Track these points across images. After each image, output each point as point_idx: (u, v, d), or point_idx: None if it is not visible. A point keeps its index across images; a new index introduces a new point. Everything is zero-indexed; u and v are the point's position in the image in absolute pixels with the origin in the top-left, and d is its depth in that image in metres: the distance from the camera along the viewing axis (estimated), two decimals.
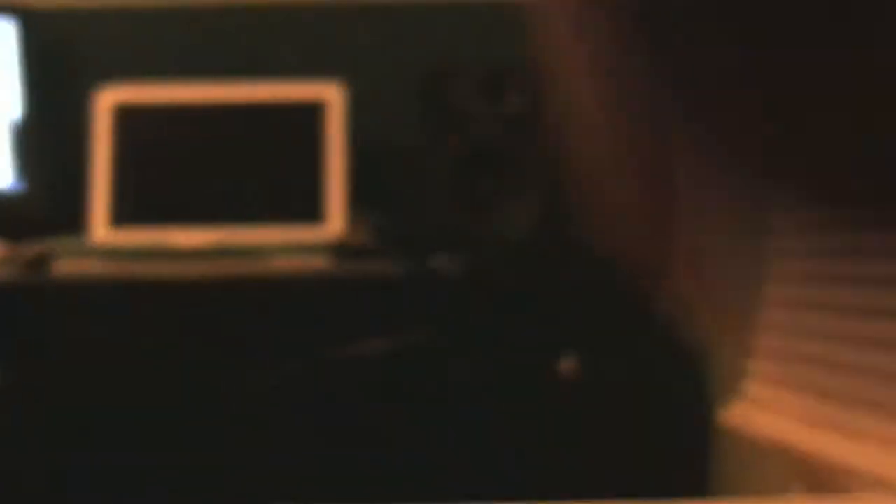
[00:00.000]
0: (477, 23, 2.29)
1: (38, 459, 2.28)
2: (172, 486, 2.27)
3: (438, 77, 1.97)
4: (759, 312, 1.54)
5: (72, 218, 2.16)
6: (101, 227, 2.03)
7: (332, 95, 2.07)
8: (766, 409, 1.49)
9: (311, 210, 2.03)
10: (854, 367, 1.27)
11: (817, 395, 1.35)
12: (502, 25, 2.30)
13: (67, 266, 1.83)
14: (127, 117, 2.08)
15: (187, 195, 2.05)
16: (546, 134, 1.93)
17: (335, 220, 2.01)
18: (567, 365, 1.85)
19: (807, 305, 1.33)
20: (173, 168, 2.07)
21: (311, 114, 2.07)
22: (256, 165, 2.06)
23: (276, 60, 2.28)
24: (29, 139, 2.11)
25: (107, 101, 2.09)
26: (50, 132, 2.18)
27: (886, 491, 0.94)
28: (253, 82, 2.12)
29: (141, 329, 2.09)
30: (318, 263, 1.83)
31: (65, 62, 2.26)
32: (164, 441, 2.29)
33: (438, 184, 1.95)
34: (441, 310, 2.22)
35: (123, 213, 2.05)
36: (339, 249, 1.86)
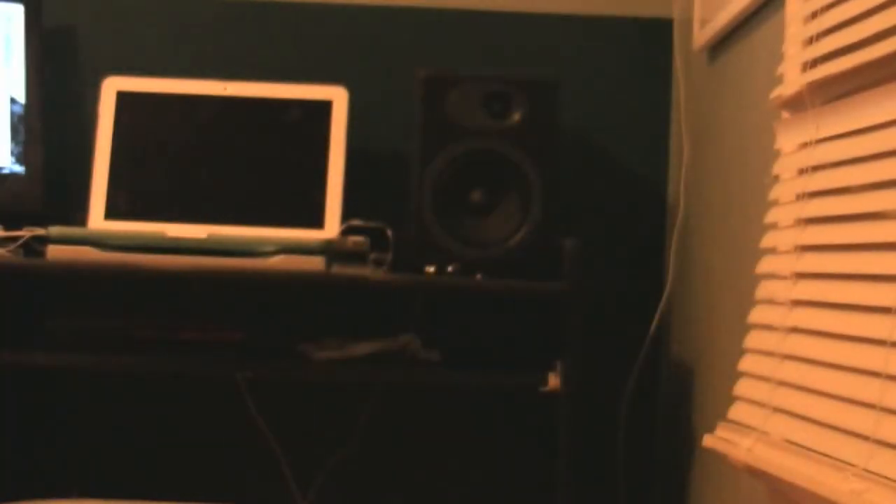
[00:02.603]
0: (479, 33, 2.30)
1: (20, 440, 2.28)
2: (157, 474, 2.27)
3: (438, 85, 1.97)
4: (746, 336, 1.54)
5: (69, 204, 2.17)
6: (97, 217, 2.04)
7: (337, 96, 2.08)
8: (747, 433, 1.50)
9: (307, 212, 2.03)
10: (834, 394, 1.27)
11: (799, 420, 1.36)
12: (504, 37, 2.30)
13: (61, 252, 1.83)
14: (131, 108, 2.09)
15: (184, 190, 2.06)
16: (543, 146, 1.94)
17: (331, 223, 2.01)
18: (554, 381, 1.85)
19: (792, 330, 1.34)
20: (171, 161, 2.07)
21: (314, 113, 2.08)
22: (256, 164, 2.06)
23: (279, 63, 2.29)
24: (29, 124, 2.11)
25: (111, 91, 2.09)
26: (51, 118, 2.18)
27: None
28: (256, 82, 2.12)
29: (130, 317, 2.10)
30: (312, 265, 1.83)
31: (72, 49, 2.27)
32: (149, 430, 2.29)
33: (433, 191, 1.95)
34: (430, 316, 2.22)
35: (121, 206, 2.05)
36: (332, 252, 1.86)
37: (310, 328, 2.13)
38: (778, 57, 1.51)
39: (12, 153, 2.11)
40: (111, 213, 2.05)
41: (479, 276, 1.91)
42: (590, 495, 2.26)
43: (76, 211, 2.09)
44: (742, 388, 1.47)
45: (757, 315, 1.46)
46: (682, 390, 2.10)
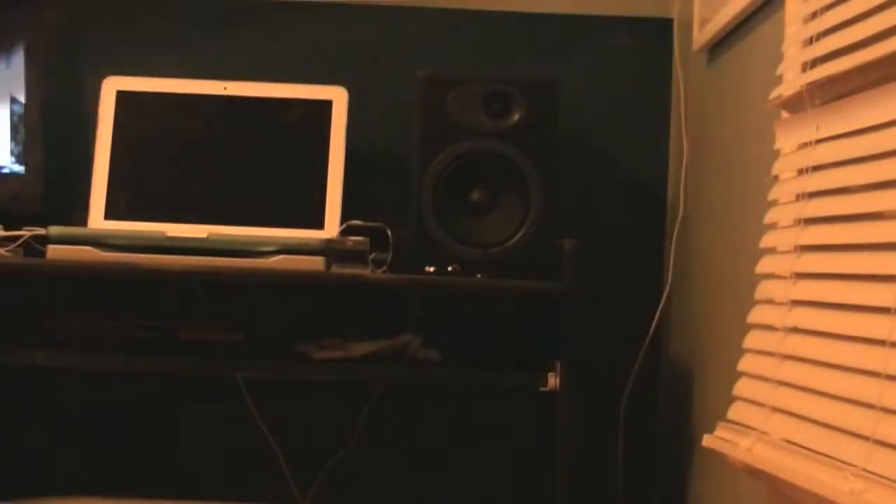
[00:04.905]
0: (479, 33, 2.31)
1: (22, 440, 2.28)
2: (157, 473, 2.28)
3: (438, 85, 1.97)
4: (746, 336, 1.54)
5: (69, 204, 2.17)
6: (97, 217, 2.04)
7: (337, 96, 2.08)
8: (747, 433, 1.50)
9: (307, 212, 2.03)
10: (834, 394, 1.27)
11: (799, 420, 1.36)
12: (505, 37, 2.31)
13: (61, 252, 1.83)
14: (131, 107, 2.09)
15: (184, 190, 2.06)
16: (543, 146, 1.94)
17: (330, 223, 2.01)
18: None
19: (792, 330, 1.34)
20: (171, 161, 2.07)
21: (314, 113, 2.08)
22: (255, 164, 2.06)
23: (279, 63, 2.29)
24: (29, 124, 2.11)
25: (111, 91, 2.09)
26: (51, 118, 2.18)
27: None
28: (256, 82, 2.12)
29: (130, 317, 2.10)
30: (311, 265, 1.83)
31: (72, 49, 2.27)
32: (149, 430, 2.29)
33: (433, 191, 1.95)
34: (430, 316, 2.22)
35: (121, 206, 2.05)
36: (331, 252, 1.86)
37: (310, 328, 2.13)
38: (777, 57, 1.51)
39: (12, 153, 2.11)
40: (111, 213, 2.05)
41: (479, 276, 1.91)
42: (590, 495, 2.26)
43: (76, 211, 2.09)
44: (741, 388, 1.47)
45: (756, 315, 1.46)
46: (682, 390, 2.10)
